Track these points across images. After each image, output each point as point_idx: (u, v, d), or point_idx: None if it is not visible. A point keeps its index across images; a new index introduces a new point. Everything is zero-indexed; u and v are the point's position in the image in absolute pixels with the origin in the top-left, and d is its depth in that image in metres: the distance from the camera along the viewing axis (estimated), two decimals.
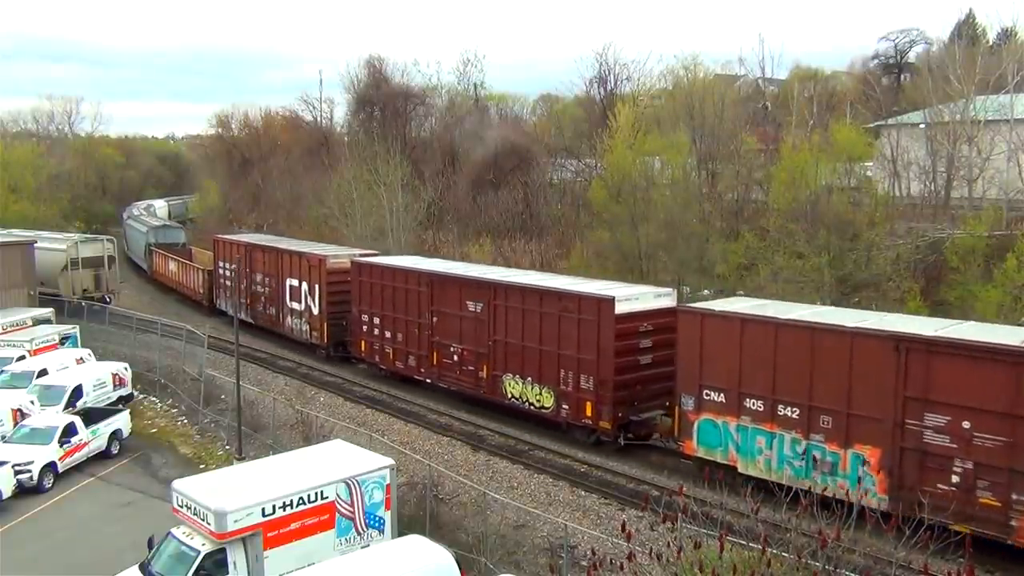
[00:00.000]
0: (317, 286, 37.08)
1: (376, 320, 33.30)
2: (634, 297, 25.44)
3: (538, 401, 26.92)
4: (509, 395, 27.93)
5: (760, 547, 9.98)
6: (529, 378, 27.11)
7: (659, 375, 25.11)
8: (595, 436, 25.53)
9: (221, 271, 45.63)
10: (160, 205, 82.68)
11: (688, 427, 22.80)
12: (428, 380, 31.41)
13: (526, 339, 27.03)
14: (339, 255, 37.28)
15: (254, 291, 42.45)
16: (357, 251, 38.69)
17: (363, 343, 34.28)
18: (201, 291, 48.58)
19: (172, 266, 54.17)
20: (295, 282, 38.74)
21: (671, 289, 28.00)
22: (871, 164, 43.12)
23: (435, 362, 30.76)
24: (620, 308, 24.54)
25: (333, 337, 36.74)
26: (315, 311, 37.47)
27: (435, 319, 30.51)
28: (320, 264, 36.84)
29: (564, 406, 26.05)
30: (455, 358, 29.85)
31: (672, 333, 23.97)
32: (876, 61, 68.71)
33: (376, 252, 38.64)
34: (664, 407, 25.04)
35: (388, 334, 32.83)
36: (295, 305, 38.98)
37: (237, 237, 47.14)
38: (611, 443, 25.18)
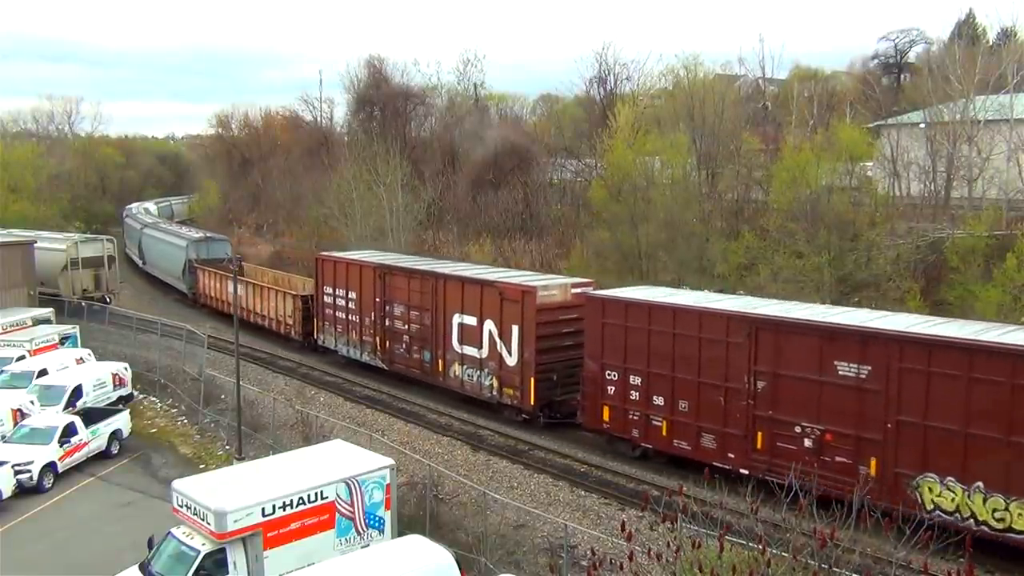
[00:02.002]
0: (516, 327, 27.65)
1: (635, 379, 24.34)
2: None
3: (1000, 521, 17.92)
4: (929, 505, 18.87)
5: (760, 547, 9.98)
6: (978, 484, 18.17)
7: None
8: None
9: (328, 299, 36.60)
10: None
11: None
12: (743, 471, 21.31)
13: (974, 425, 18.15)
14: (548, 285, 28.29)
15: (391, 328, 33.17)
16: (567, 279, 30.13)
17: (607, 409, 25.17)
18: (291, 322, 39.87)
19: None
20: (470, 320, 29.39)
21: None
22: (871, 164, 43.14)
23: (761, 446, 21.73)
24: None
25: (542, 397, 27.56)
26: (510, 361, 28.00)
27: (761, 383, 21.65)
28: (525, 298, 27.34)
29: None
30: (807, 443, 20.72)
31: None
32: (876, 61, 68.80)
33: (590, 282, 29.77)
34: None
35: (659, 400, 23.85)
36: (470, 351, 29.57)
37: (360, 256, 37.30)
38: None
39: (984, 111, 39.94)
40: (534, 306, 27.12)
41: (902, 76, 65.72)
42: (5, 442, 24.23)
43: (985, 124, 39.63)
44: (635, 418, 24.51)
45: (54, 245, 47.18)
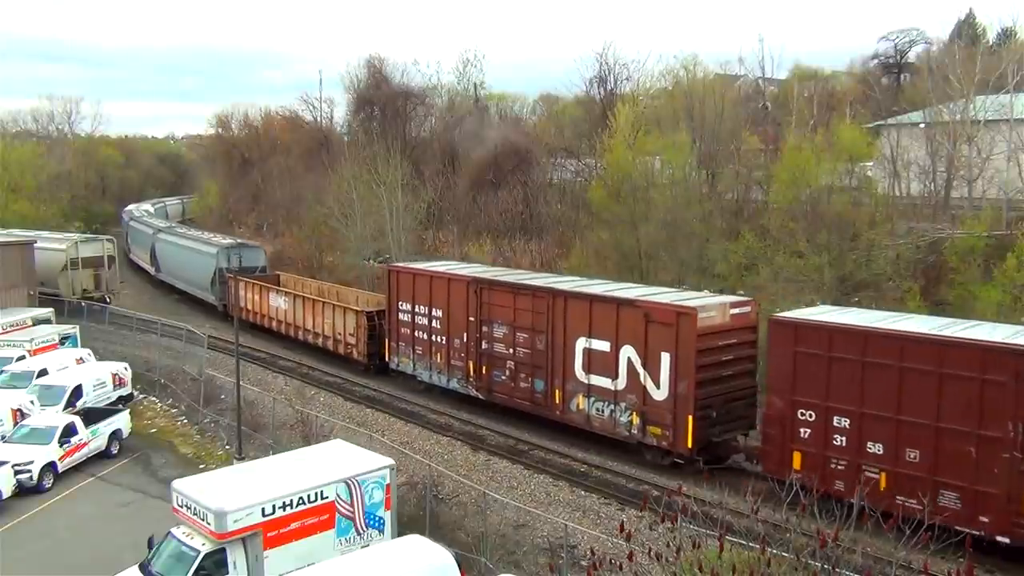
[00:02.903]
0: (668, 355, 23.53)
1: (840, 421, 20.12)
2: None
3: None
4: None
5: (760, 547, 9.98)
6: None
7: None
8: None
9: (404, 316, 32.32)
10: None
11: None
12: (1002, 538, 17.54)
13: None
14: (706, 305, 23.89)
15: (489, 352, 29.05)
16: (725, 298, 25.80)
17: (798, 455, 20.90)
18: (352, 341, 35.66)
19: (281, 303, 40.47)
20: (601, 345, 25.30)
21: None
22: (871, 164, 43.15)
23: None
24: None
25: (700, 437, 23.41)
26: (657, 394, 23.92)
27: None
28: (681, 321, 23.19)
29: None
30: None
31: None
32: (876, 61, 68.71)
33: (749, 300, 25.77)
34: None
35: (876, 448, 19.54)
36: (600, 381, 25.44)
37: (447, 267, 32.98)
38: None
39: (984, 111, 39.89)
40: (694, 330, 22.84)
41: (902, 76, 65.65)
42: (5, 442, 24.27)
43: (985, 124, 39.58)
44: (839, 468, 20.04)
45: (54, 245, 47.22)
